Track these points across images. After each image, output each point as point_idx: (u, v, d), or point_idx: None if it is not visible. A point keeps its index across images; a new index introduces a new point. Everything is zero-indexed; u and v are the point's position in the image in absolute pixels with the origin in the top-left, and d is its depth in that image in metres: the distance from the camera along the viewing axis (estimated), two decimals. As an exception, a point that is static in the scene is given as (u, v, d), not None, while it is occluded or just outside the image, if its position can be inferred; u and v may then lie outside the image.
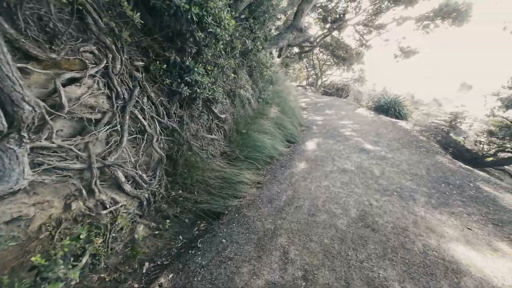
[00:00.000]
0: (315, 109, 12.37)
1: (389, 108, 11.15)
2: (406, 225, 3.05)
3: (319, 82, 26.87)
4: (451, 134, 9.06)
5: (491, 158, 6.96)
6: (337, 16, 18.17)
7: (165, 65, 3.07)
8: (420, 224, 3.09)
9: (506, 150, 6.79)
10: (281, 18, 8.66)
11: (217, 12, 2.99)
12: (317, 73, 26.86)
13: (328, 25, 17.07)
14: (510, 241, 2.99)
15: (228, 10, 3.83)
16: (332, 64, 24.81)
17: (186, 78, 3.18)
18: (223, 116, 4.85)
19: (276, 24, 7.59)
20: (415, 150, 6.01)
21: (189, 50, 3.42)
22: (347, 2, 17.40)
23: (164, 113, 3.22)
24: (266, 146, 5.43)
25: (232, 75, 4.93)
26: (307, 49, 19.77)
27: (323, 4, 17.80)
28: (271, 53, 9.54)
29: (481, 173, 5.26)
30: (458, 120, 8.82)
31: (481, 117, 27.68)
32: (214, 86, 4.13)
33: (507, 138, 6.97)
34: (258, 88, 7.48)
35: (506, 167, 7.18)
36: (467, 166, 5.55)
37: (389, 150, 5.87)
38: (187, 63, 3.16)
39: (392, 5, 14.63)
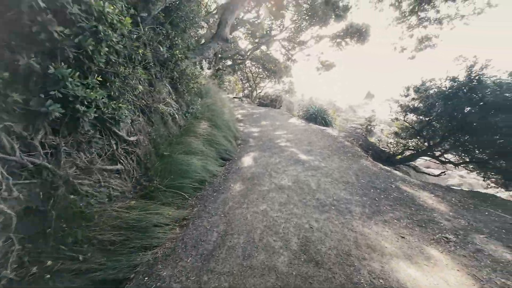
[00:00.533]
0: (251, 121, 12.18)
1: (316, 117, 11.89)
2: (349, 248, 2.78)
3: (254, 93, 27.59)
4: (368, 137, 10.15)
5: (399, 156, 7.97)
6: (264, 32, 18.99)
7: (6, 73, 1.99)
8: (361, 243, 2.87)
9: (409, 148, 7.86)
10: (204, 27, 8.17)
11: (93, 2, 2.14)
12: (251, 85, 27.55)
13: (257, 40, 17.60)
14: (435, 242, 3.06)
15: (123, 6, 2.98)
16: (264, 77, 25.88)
17: (52, 93, 2.17)
18: (133, 138, 3.83)
19: (199, 33, 6.98)
20: (343, 156, 6.24)
21: (66, 55, 2.43)
22: (272, 20, 18.42)
23: (15, 145, 2.10)
24: (195, 169, 4.63)
25: (140, 87, 3.98)
26: (239, 61, 19.95)
27: (250, 20, 18.37)
28: (199, 63, 8.87)
29: (397, 172, 5.77)
30: (372, 124, 9.90)
31: (386, 120, 33.38)
32: (114, 102, 3.16)
33: (408, 138, 8.15)
34: (185, 102, 6.64)
35: (411, 162, 8.37)
36: (386, 167, 6.04)
37: (322, 159, 5.90)
38: (52, 71, 2.15)
39: (309, 25, 16.15)
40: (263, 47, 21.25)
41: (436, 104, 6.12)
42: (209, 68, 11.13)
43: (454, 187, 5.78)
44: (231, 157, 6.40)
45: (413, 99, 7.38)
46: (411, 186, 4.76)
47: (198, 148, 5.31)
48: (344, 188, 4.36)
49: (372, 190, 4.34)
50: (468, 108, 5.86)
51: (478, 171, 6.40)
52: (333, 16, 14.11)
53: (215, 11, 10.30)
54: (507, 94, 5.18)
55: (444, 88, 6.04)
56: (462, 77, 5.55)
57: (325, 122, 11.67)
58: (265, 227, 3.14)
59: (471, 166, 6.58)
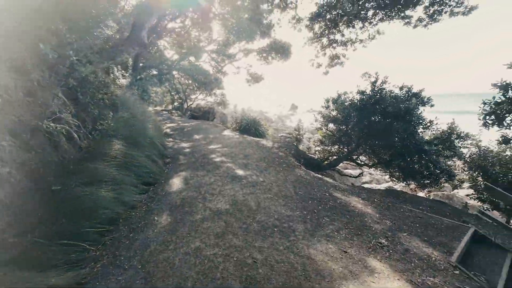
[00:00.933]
0: (182, 135, 11.11)
1: (250, 128, 11.88)
2: (299, 280, 2.45)
3: (185, 106, 26.15)
4: (299, 146, 10.71)
5: (326, 162, 8.63)
6: (191, 43, 18.28)
7: None
8: (309, 270, 2.59)
9: (333, 154, 8.61)
10: (112, 26, 6.91)
11: None
12: (181, 97, 26.03)
13: (184, 50, 16.71)
14: (373, 251, 3.10)
15: None
16: (195, 89, 24.90)
17: None
18: (-14, 175, 2.54)
19: (105, 34, 5.79)
20: (279, 167, 6.17)
21: None
22: (199, 31, 17.94)
23: None
24: (102, 204, 3.51)
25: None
26: (165, 71, 18.46)
27: (176, 29, 17.37)
28: (111, 70, 7.41)
29: (327, 179, 6.07)
30: (300, 133, 10.48)
31: (309, 128, 37.14)
32: None
33: (331, 145, 8.97)
34: (90, 116, 5.26)
35: (336, 167, 9.21)
36: (317, 175, 6.29)
37: (259, 172, 5.63)
38: None
39: (237, 40, 16.46)
40: (192, 58, 20.44)
41: (352, 114, 6.86)
42: (125, 77, 9.57)
43: (373, 188, 6.41)
44: (156, 180, 5.38)
45: (332, 110, 8.14)
46: (342, 192, 4.98)
47: (108, 175, 4.15)
48: (284, 204, 4.13)
49: (310, 202, 4.27)
50: (373, 118, 6.74)
51: (384, 170, 7.44)
52: (259, 33, 14.76)
53: (130, 11, 9.05)
54: (401, 105, 6.20)
55: (355, 101, 6.85)
56: (368, 91, 6.42)
57: (259, 133, 11.78)
58: (199, 273, 2.48)
59: (379, 166, 7.62)
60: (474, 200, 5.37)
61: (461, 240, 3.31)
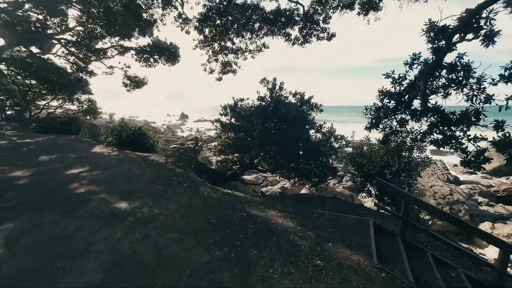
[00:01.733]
0: (16, 159, 7.23)
1: (135, 142, 9.51)
2: None
3: (27, 115, 18.35)
4: (198, 159, 9.55)
5: (229, 172, 8.06)
6: (30, 26, 13.02)
7: None
8: None
9: (236, 163, 8.18)
10: None
11: None
12: (19, 103, 18.06)
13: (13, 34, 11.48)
14: (315, 280, 2.63)
15: None
16: (45, 92, 17.98)
17: None
18: None
19: None
20: (179, 188, 4.87)
21: None
22: (43, 14, 13.09)
23: None
24: None
25: None
26: (-23, 63, 11.97)
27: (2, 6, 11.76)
28: None
29: (238, 193, 5.41)
30: (199, 144, 9.42)
31: (203, 138, 35.95)
32: None
33: (232, 154, 8.54)
34: None
35: (242, 177, 8.85)
36: (226, 190, 5.50)
37: (153, 201, 4.13)
38: None
39: (108, 33, 13.20)
40: (34, 48, 14.52)
41: (254, 122, 6.64)
42: None
43: (280, 193, 6.31)
44: None
45: (231, 117, 7.69)
46: (257, 207, 4.43)
47: None
48: (196, 244, 3.00)
49: (229, 231, 3.38)
50: (272, 124, 6.82)
51: (283, 174, 7.77)
52: (137, 29, 12.42)
53: None
54: (294, 112, 6.55)
55: (255, 108, 6.71)
56: (267, 97, 6.41)
57: (147, 147, 9.62)
58: None
59: (279, 171, 7.89)
60: (349, 191, 6.44)
61: (370, 236, 3.46)
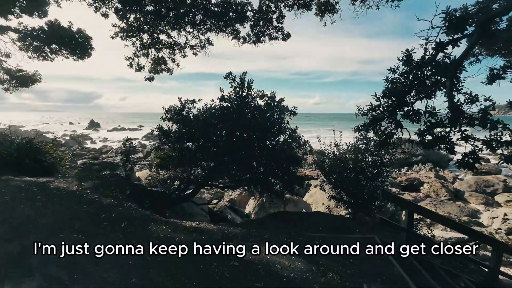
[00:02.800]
0: None
1: (20, 161, 6.50)
2: None
3: None
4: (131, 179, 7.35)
5: (177, 192, 6.43)
6: None
7: None
8: None
9: (184, 180, 6.63)
10: None
11: None
12: None
13: None
14: None
15: None
16: None
17: None
18: None
19: None
20: (114, 233, 3.19)
21: None
22: None
23: None
24: None
25: None
26: None
27: None
28: None
29: (206, 226, 4.05)
30: (131, 159, 7.29)
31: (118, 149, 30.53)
32: None
33: (177, 169, 6.93)
34: None
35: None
36: (191, 224, 4.02)
37: (70, 274, 2.40)
38: None
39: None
40: None
41: (214, 128, 5.41)
42: None
43: (231, 207, 5.33)
44: None
45: (177, 122, 6.18)
46: (245, 244, 3.26)
47: None
48: None
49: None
50: (236, 131, 5.78)
51: (248, 189, 6.73)
52: (17, 3, 8.90)
53: None
54: (264, 115, 5.68)
55: (214, 110, 5.49)
56: (233, 96, 5.29)
57: (45, 168, 6.73)
58: None
59: (243, 185, 6.80)
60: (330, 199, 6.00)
61: (391, 262, 2.95)
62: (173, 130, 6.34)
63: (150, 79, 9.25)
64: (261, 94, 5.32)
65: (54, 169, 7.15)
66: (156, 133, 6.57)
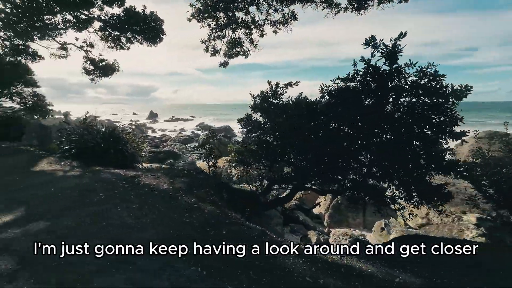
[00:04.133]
0: None
1: (105, 151, 6.35)
2: None
3: None
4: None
5: (265, 196, 5.46)
6: None
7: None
8: None
9: (275, 179, 5.57)
10: None
11: None
12: None
13: None
14: None
15: None
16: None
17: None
18: None
19: None
20: (237, 267, 2.23)
21: None
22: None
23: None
24: None
25: None
26: None
27: None
28: None
29: (371, 267, 2.88)
30: (218, 148, 6.60)
31: (178, 138, 31.89)
32: None
33: (260, 164, 5.95)
34: None
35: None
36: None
37: None
38: None
39: (55, 4, 9.42)
40: None
41: (319, 117, 4.11)
42: None
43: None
44: None
45: (267, 110, 5.08)
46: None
47: None
48: None
49: None
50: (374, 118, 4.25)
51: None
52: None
53: None
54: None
55: (329, 95, 4.16)
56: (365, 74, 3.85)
57: (126, 158, 6.51)
58: None
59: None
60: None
61: None
62: (262, 121, 5.29)
63: (225, 65, 8.44)
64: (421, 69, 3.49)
65: (134, 159, 6.94)
66: (240, 126, 5.62)
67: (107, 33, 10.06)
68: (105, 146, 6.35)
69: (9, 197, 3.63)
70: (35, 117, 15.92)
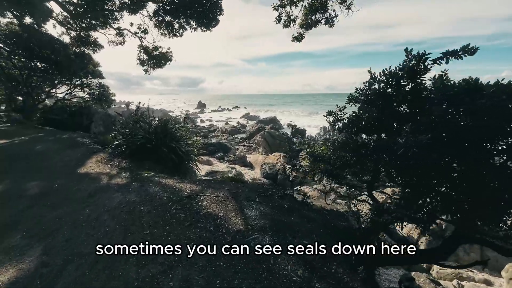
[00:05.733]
0: None
1: (156, 148, 5.30)
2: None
3: (30, 103, 14.72)
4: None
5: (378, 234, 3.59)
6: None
7: None
8: None
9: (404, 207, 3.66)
10: None
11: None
12: (25, 91, 14.40)
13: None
14: None
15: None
16: (45, 75, 14.10)
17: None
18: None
19: None
20: None
21: None
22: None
23: None
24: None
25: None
26: None
27: None
28: None
29: None
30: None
31: (225, 128, 31.35)
32: None
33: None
34: None
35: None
36: None
37: None
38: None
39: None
40: (27, 19, 10.52)
41: None
42: None
43: None
44: None
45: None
46: None
47: None
48: None
49: None
50: None
51: None
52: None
53: None
54: None
55: None
56: None
57: (179, 158, 5.37)
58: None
59: None
60: None
61: None
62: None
63: (299, 38, 6.55)
64: None
65: (189, 159, 5.80)
66: (335, 111, 3.75)
67: (160, 18, 9.14)
68: (156, 142, 5.30)
69: (34, 223, 2.61)
70: (103, 106, 16.69)
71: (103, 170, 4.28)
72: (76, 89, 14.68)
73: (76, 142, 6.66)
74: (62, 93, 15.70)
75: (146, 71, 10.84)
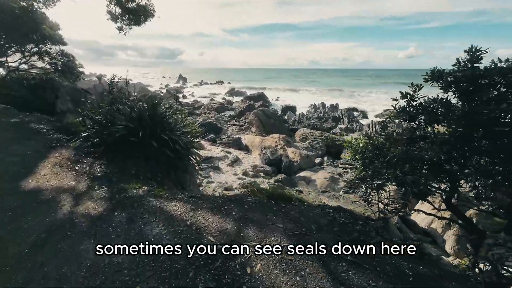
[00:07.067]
0: None
1: (144, 140, 3.73)
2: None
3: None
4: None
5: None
6: None
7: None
8: None
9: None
10: None
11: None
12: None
13: None
14: None
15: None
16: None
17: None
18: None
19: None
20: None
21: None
22: None
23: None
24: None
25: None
26: None
27: None
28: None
29: None
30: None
31: (210, 106, 29.01)
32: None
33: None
34: None
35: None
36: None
37: None
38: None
39: None
40: None
41: None
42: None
43: None
44: None
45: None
46: None
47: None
48: None
49: None
50: None
51: None
52: None
53: None
54: None
55: None
56: None
57: (175, 155, 3.89)
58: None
59: None
60: None
61: None
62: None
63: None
64: None
65: (187, 157, 4.32)
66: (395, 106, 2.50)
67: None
68: (144, 134, 3.72)
69: None
70: (70, 79, 13.73)
71: (65, 183, 2.73)
72: (33, 58, 11.76)
73: (28, 130, 4.79)
74: (15, 61, 12.51)
75: (120, 29, 8.34)
